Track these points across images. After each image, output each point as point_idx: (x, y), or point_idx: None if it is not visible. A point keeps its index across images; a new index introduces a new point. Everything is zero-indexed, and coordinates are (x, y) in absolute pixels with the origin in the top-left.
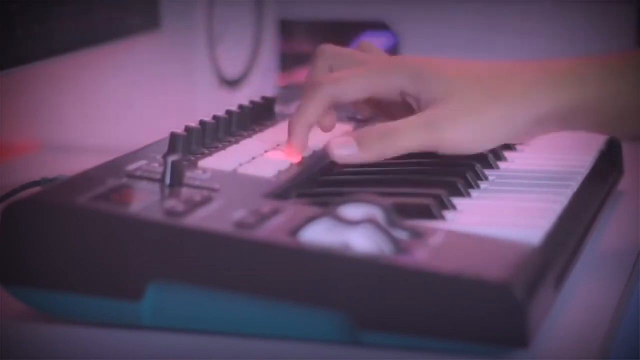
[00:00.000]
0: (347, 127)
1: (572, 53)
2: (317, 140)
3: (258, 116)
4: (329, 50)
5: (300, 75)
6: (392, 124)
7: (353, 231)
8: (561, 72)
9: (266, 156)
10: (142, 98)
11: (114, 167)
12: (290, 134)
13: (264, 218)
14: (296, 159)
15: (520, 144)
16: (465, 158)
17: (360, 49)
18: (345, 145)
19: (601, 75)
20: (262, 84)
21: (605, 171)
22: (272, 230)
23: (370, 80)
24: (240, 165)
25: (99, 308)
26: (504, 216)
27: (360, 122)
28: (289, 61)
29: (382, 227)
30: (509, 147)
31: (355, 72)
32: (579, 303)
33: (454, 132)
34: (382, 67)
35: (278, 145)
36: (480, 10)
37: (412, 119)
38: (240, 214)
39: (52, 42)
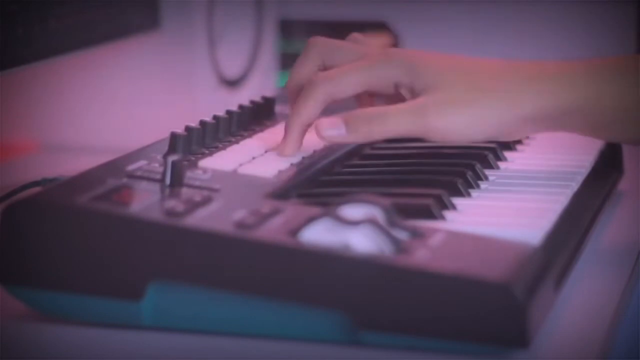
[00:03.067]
0: None
1: (572, 53)
2: (317, 140)
3: (258, 116)
4: (320, 42)
5: None
6: (381, 108)
7: (353, 231)
8: (553, 73)
9: (266, 156)
10: (142, 98)
11: (114, 167)
12: (286, 132)
13: (264, 218)
14: (291, 157)
15: (508, 141)
16: (465, 158)
17: (348, 40)
18: (333, 126)
19: (593, 78)
20: (262, 84)
21: (605, 171)
22: (272, 230)
23: (365, 75)
24: (240, 165)
25: (99, 308)
26: (504, 216)
27: None
28: (289, 61)
29: (382, 227)
30: (509, 147)
31: (349, 67)
32: (579, 303)
33: (441, 120)
34: (375, 61)
35: (278, 146)
36: (480, 10)
37: (401, 105)
38: (240, 214)
39: (52, 42)
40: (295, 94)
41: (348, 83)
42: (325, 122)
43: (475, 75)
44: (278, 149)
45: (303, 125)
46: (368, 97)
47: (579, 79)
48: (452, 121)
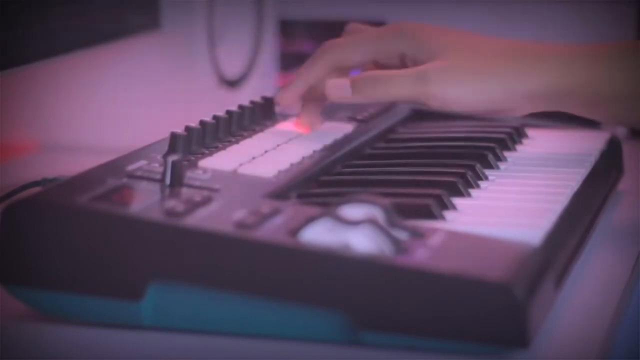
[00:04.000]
0: (347, 126)
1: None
2: (317, 140)
3: (258, 116)
4: (331, 46)
5: None
6: (387, 72)
7: (353, 231)
8: (555, 54)
9: (266, 156)
10: (142, 98)
11: (114, 167)
12: (288, 84)
13: (264, 218)
14: (284, 104)
15: (503, 117)
16: (465, 158)
17: (347, 32)
18: (340, 86)
19: (591, 61)
20: (262, 84)
21: (605, 171)
22: (272, 230)
23: (372, 44)
24: (240, 165)
25: (99, 308)
26: (504, 216)
27: (360, 122)
28: (289, 61)
29: (382, 227)
30: (508, 147)
31: (357, 37)
32: (579, 303)
33: (444, 86)
34: (382, 32)
35: (278, 146)
36: (481, 10)
37: (407, 70)
38: (240, 214)
39: (52, 42)
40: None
41: (356, 52)
42: (332, 82)
43: (479, 49)
44: (277, 95)
45: (306, 83)
46: (374, 68)
47: (578, 61)
48: (453, 89)
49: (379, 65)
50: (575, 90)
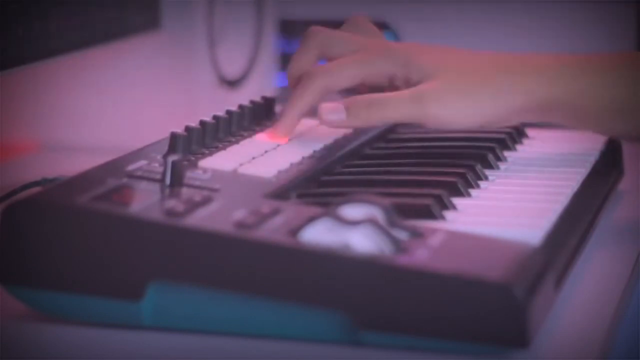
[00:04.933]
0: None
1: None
2: (317, 140)
3: (258, 116)
4: (319, 32)
5: None
6: (381, 95)
7: (353, 231)
8: (543, 66)
9: (266, 156)
10: (142, 98)
11: (114, 167)
12: (281, 117)
13: (264, 218)
14: (282, 141)
15: (497, 130)
16: (465, 158)
17: (349, 24)
18: (334, 111)
19: (581, 72)
20: (262, 84)
21: (605, 171)
22: (272, 230)
23: (361, 68)
24: (240, 165)
25: (99, 308)
26: (504, 216)
27: None
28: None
29: (382, 227)
30: (508, 147)
31: (345, 61)
32: (579, 303)
33: (440, 107)
34: (371, 55)
35: (278, 146)
36: (481, 10)
37: (401, 92)
38: (240, 214)
39: (52, 42)
40: (295, 82)
41: (345, 76)
42: (326, 107)
43: (469, 66)
44: (269, 131)
45: (299, 114)
46: (364, 88)
47: (567, 73)
48: (449, 109)
49: (367, 85)
50: (562, 102)
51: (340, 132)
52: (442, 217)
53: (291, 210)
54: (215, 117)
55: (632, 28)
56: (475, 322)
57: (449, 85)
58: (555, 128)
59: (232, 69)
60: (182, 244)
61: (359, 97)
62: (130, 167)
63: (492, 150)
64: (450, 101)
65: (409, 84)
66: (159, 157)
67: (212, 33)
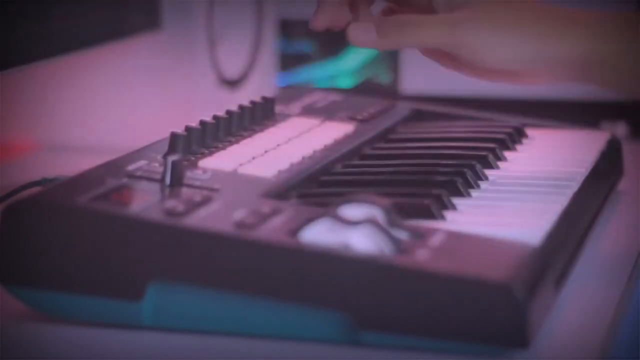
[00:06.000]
0: (347, 126)
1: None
2: (317, 140)
3: (258, 116)
4: None
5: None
6: (416, 16)
7: (353, 231)
8: (591, 21)
9: (266, 156)
10: (142, 98)
11: (114, 167)
12: (318, 8)
13: (264, 218)
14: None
15: (524, 84)
16: (465, 158)
17: None
18: (364, 30)
19: (626, 32)
20: (262, 84)
21: (605, 171)
22: (272, 230)
23: None
24: (240, 165)
25: (99, 308)
26: (504, 216)
27: (360, 122)
28: (289, 61)
29: (382, 227)
30: (508, 147)
31: None
32: (579, 303)
33: (475, 37)
34: None
35: (278, 146)
36: None
37: (438, 16)
38: (240, 214)
39: (52, 42)
40: None
41: None
42: (356, 26)
43: (513, 4)
44: (311, 22)
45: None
46: (398, 7)
47: (613, 29)
48: (484, 41)
49: (401, 9)
50: (607, 60)
51: (340, 132)
52: (442, 217)
53: (291, 210)
54: (215, 117)
55: None
56: (475, 322)
57: (490, 17)
58: (555, 128)
59: (232, 69)
60: (182, 244)
61: (391, 17)
62: (130, 167)
63: (492, 150)
64: (487, 34)
65: (450, 6)
66: (159, 157)
67: (212, 33)
